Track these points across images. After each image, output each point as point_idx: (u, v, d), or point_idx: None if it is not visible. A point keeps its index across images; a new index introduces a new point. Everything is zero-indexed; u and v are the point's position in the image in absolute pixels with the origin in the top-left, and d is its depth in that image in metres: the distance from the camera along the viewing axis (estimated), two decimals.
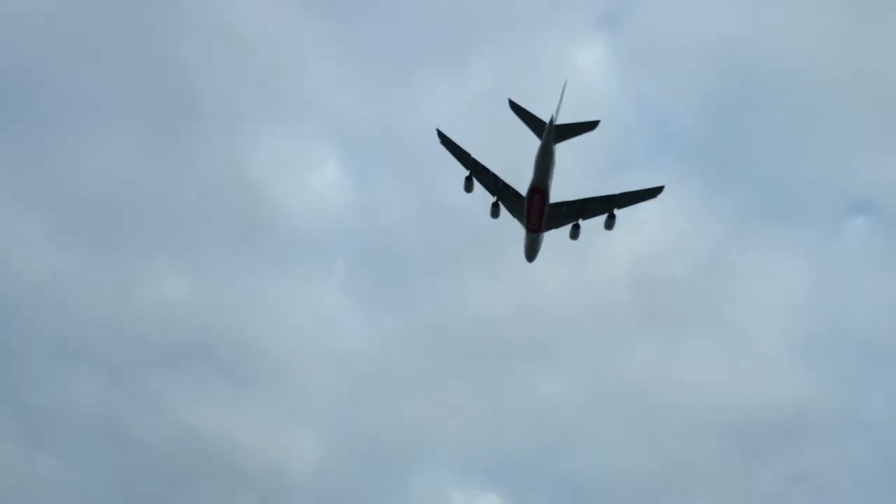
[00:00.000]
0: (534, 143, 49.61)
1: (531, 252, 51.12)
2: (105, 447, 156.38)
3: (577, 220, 49.02)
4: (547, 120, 45.57)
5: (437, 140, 51.56)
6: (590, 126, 45.26)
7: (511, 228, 55.53)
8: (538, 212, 47.67)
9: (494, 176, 49.30)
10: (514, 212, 50.05)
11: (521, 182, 51.16)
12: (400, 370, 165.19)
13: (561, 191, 51.86)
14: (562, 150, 49.70)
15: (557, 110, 45.08)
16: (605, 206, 48.08)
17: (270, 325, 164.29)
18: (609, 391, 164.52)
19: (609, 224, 48.78)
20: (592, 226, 52.55)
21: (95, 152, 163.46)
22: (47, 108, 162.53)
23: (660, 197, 51.44)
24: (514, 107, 46.69)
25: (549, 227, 48.75)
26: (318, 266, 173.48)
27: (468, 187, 49.53)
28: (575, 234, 49.50)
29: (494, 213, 49.77)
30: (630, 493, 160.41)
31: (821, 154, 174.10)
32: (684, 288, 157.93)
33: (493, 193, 50.11)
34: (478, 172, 49.76)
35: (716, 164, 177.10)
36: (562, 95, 44.52)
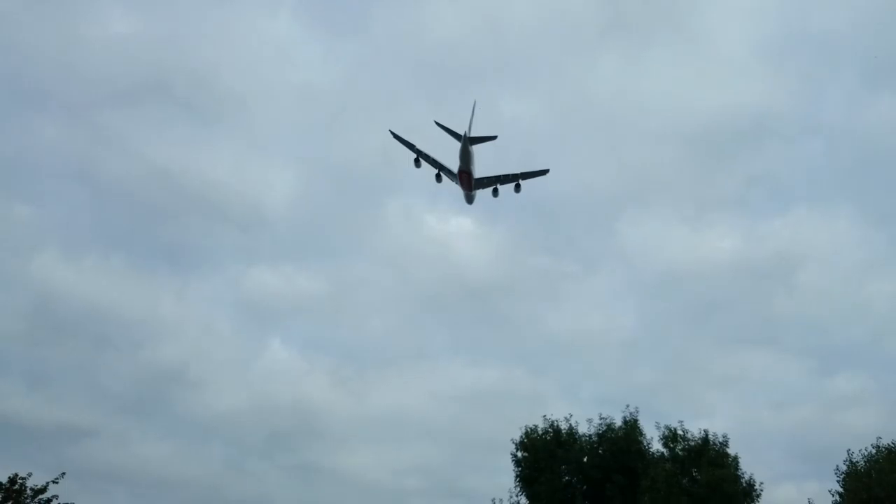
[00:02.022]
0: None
1: (469, 200, 67.70)
2: (78, 189, 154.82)
3: (496, 185, 65.03)
4: (462, 133, 60.39)
5: None
6: (492, 137, 60.53)
7: None
8: (467, 182, 64.00)
9: (434, 159, 63.51)
10: (452, 179, 65.06)
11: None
12: (363, 97, 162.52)
13: None
14: None
15: (470, 125, 59.91)
16: (512, 178, 64.53)
17: (226, 57, 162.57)
18: (573, 108, 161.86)
19: (517, 189, 65.23)
20: None
21: None
22: None
23: None
24: (439, 125, 60.84)
25: (478, 188, 64.77)
26: None
27: (417, 165, 63.92)
28: (495, 193, 66.22)
29: (438, 180, 64.91)
30: (595, 207, 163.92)
31: None
32: None
33: (435, 168, 64.44)
34: (422, 157, 64.00)
35: None
36: (472, 113, 59.67)
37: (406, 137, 63.60)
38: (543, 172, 64.27)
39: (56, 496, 39.54)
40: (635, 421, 54.74)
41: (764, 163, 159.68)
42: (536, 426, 55.77)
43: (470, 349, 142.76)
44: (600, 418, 55.25)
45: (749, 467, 51.09)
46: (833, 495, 49.00)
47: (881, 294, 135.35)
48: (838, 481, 49.10)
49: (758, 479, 50.75)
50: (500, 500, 54.11)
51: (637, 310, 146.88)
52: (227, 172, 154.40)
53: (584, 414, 72.78)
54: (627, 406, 55.48)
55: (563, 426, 55.59)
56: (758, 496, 50.28)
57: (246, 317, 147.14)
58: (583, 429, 55.42)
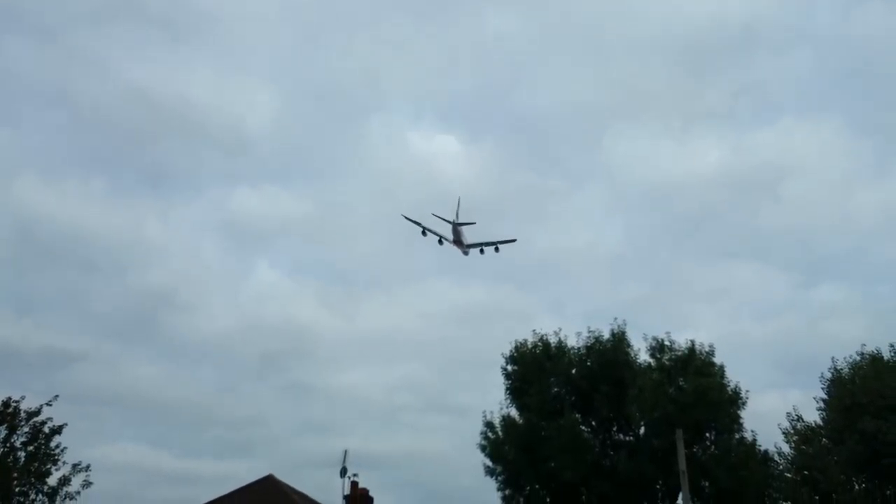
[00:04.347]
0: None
1: (465, 254, 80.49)
2: (55, 112, 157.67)
3: (482, 247, 78.20)
4: (451, 220, 75.25)
5: None
6: (472, 223, 76.36)
7: None
8: (461, 246, 78.04)
9: (436, 232, 76.89)
10: (451, 243, 78.07)
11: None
12: (343, 12, 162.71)
13: None
14: None
15: (457, 215, 74.80)
16: (493, 244, 78.02)
17: None
18: (556, 20, 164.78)
19: (496, 251, 78.84)
20: None
21: None
22: None
23: None
24: (435, 215, 75.51)
25: (470, 248, 78.36)
26: None
27: (424, 234, 77.09)
28: (482, 252, 79.71)
29: (440, 244, 77.87)
30: (580, 122, 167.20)
31: None
32: None
33: (437, 236, 77.42)
34: (427, 230, 76.83)
35: None
36: (458, 205, 75.34)
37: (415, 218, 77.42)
38: (513, 241, 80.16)
39: (50, 418, 39.91)
40: (623, 333, 55.30)
41: (751, 73, 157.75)
42: (526, 340, 56.49)
43: (457, 268, 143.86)
44: (588, 331, 55.92)
45: (735, 377, 51.84)
46: (817, 402, 49.94)
47: (867, 205, 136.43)
48: (822, 388, 49.86)
49: (743, 388, 51.72)
50: (491, 412, 55.26)
51: (623, 225, 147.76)
52: (206, 92, 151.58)
53: (573, 329, 74.23)
54: (615, 319, 56.09)
55: (552, 340, 56.29)
56: (743, 404, 51.22)
57: (231, 239, 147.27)
58: (571, 342, 56.19)
